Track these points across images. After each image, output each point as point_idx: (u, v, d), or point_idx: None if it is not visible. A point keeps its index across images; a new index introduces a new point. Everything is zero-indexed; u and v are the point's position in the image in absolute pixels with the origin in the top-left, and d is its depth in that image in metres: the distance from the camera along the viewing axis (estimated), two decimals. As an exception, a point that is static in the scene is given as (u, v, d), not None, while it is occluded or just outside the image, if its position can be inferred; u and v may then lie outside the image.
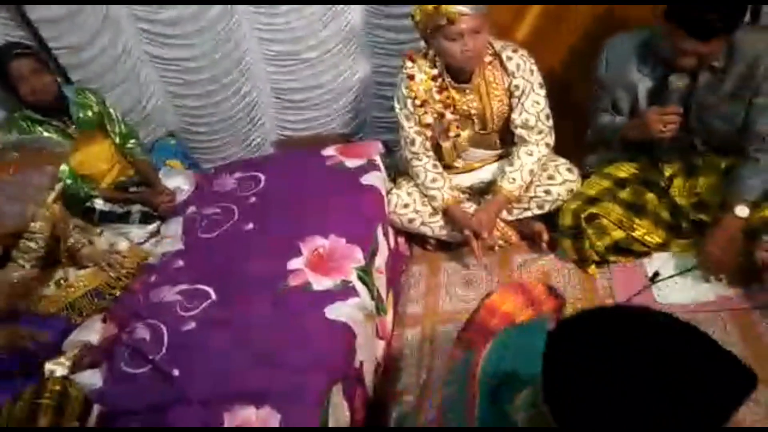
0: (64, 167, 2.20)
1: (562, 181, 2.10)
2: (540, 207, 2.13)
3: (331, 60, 2.55)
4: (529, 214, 2.15)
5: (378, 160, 2.33)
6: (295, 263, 1.88)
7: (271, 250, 1.96)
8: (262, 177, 2.36)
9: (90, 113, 2.30)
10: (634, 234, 1.92)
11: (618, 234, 1.93)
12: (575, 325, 0.73)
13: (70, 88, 2.30)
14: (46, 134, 2.18)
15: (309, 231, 1.98)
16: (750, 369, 0.66)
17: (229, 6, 2.38)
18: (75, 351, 1.74)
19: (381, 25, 2.45)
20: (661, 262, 1.92)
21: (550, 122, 2.07)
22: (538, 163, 2.06)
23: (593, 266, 2.01)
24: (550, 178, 2.11)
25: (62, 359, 1.72)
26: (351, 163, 2.32)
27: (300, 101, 2.70)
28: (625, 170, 1.99)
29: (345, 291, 1.76)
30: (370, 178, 2.22)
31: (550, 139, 2.08)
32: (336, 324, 1.65)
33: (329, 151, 2.41)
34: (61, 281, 1.95)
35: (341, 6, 2.41)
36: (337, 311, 1.68)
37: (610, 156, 2.04)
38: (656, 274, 1.90)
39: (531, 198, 2.12)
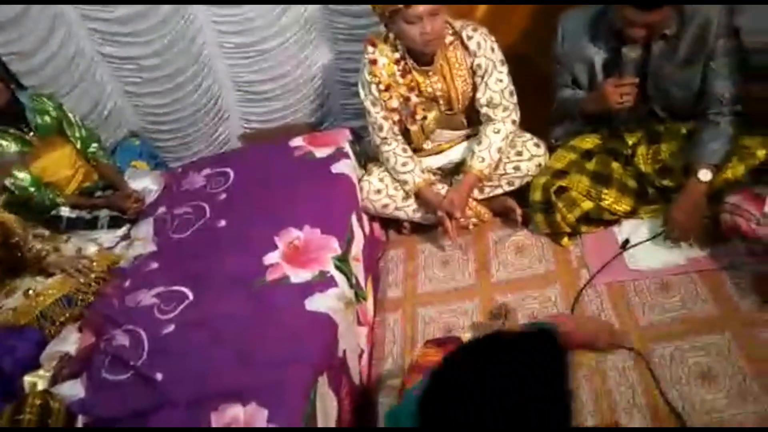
0: (25, 175, 2.15)
1: (530, 156, 2.12)
2: (510, 184, 2.16)
3: (292, 49, 2.52)
4: (500, 191, 2.18)
5: (347, 147, 2.32)
6: (271, 257, 1.88)
7: (246, 246, 1.95)
8: (231, 172, 2.34)
9: (48, 118, 2.24)
10: (602, 204, 1.95)
11: (587, 205, 1.96)
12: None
13: (25, 94, 2.23)
14: (3, 143, 2.11)
15: (283, 224, 1.97)
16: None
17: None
18: (53, 363, 1.72)
19: (339, 11, 2.43)
20: (630, 229, 1.96)
21: (515, 99, 2.08)
22: (505, 141, 2.08)
23: (566, 238, 2.04)
24: (519, 154, 2.13)
25: (41, 372, 1.70)
26: (320, 152, 2.30)
27: (263, 93, 2.67)
28: (590, 141, 2.02)
29: (323, 282, 1.76)
30: (341, 167, 2.22)
31: (516, 116, 2.09)
32: (317, 315, 1.65)
33: (297, 141, 2.39)
34: (30, 291, 1.91)
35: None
36: (316, 303, 1.68)
37: (574, 128, 2.06)
38: (627, 241, 1.94)
39: (501, 175, 2.14)
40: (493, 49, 2.00)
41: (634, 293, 1.81)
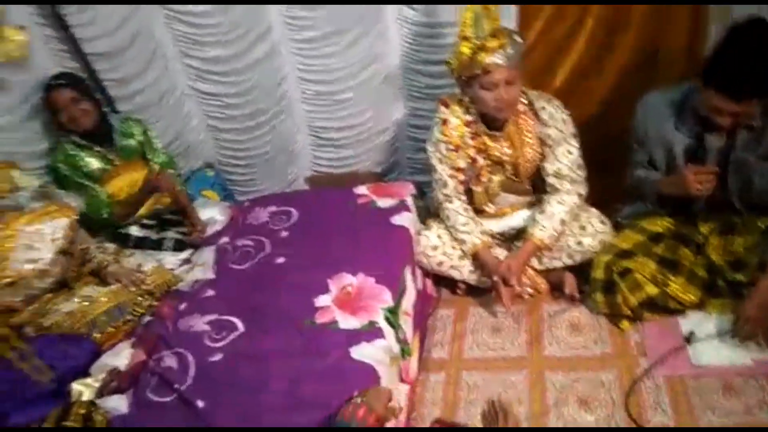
0: (102, 196, 2.27)
1: (594, 232, 2.08)
2: (570, 257, 2.11)
3: (368, 101, 2.61)
4: (559, 263, 2.13)
5: (409, 200, 2.35)
6: (323, 300, 1.89)
7: (300, 285, 1.97)
8: (295, 212, 2.40)
9: (132, 141, 2.38)
10: (668, 291, 1.88)
11: (652, 290, 1.89)
12: None
13: (116, 116, 2.39)
14: (87, 158, 2.26)
15: (338, 268, 1.99)
16: None
17: (272, 47, 2.47)
18: (102, 375, 1.76)
19: (418, 71, 2.51)
20: (696, 322, 1.87)
21: (583, 172, 2.07)
22: (569, 213, 2.05)
23: (626, 322, 1.97)
24: (582, 228, 2.09)
25: (90, 381, 1.75)
26: (382, 202, 2.34)
27: (335, 139, 2.76)
28: (660, 225, 1.97)
29: (372, 332, 1.75)
30: (401, 219, 2.24)
31: (583, 189, 2.07)
32: (361, 365, 1.64)
33: (361, 189, 2.44)
34: (85, 298, 1.98)
35: (381, 50, 2.47)
36: (362, 352, 1.68)
37: (644, 209, 2.02)
38: (691, 333, 1.85)
39: (562, 248, 2.10)
40: (564, 122, 2.01)
41: (695, 391, 1.70)
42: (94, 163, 2.27)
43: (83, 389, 1.72)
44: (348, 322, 1.80)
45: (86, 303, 1.96)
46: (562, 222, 2.04)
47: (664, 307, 1.92)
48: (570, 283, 2.13)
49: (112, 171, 2.32)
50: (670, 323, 1.91)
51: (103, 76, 2.37)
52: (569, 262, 2.12)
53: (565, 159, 2.02)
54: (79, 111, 2.18)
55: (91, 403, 1.64)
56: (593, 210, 2.13)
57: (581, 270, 2.10)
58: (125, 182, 2.37)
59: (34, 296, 1.89)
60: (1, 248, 1.84)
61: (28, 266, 1.85)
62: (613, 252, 1.95)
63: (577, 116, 2.07)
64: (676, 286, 1.88)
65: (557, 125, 2.01)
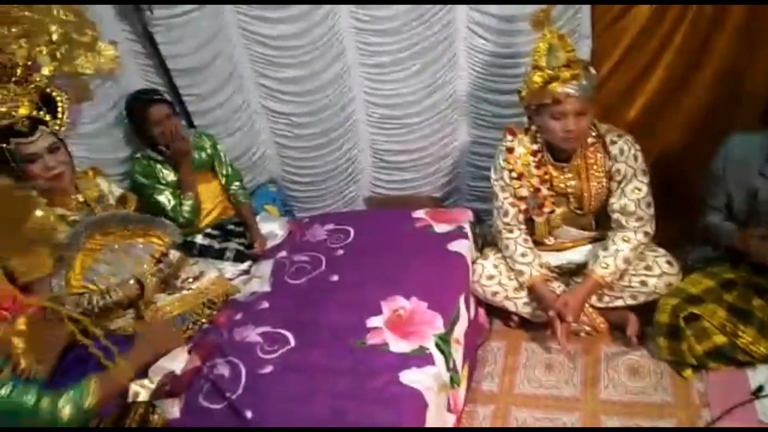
0: (191, 202, 2.38)
1: (660, 273, 2.00)
2: (633, 298, 2.03)
3: (432, 127, 2.63)
4: (620, 303, 2.06)
5: (467, 227, 2.33)
6: (374, 321, 1.90)
7: (353, 304, 1.98)
8: (352, 231, 2.43)
9: (204, 155, 2.50)
10: (738, 341, 1.77)
11: (720, 339, 1.79)
12: None
13: (190, 131, 2.52)
14: (164, 171, 2.39)
15: (391, 290, 1.99)
16: None
17: (342, 70, 2.54)
18: (159, 377, 1.82)
19: (485, 99, 2.51)
20: (766, 376, 1.75)
21: (651, 210, 1.99)
22: (634, 251, 1.98)
23: (689, 370, 1.87)
24: (648, 268, 2.01)
25: (146, 382, 1.81)
26: (440, 228, 2.34)
27: (397, 162, 2.79)
28: (732, 271, 1.87)
29: (422, 357, 1.74)
30: (458, 245, 2.22)
31: (650, 228, 2.00)
32: (410, 390, 1.62)
33: (419, 213, 2.45)
34: (151, 305, 2.06)
35: (448, 76, 2.50)
36: (412, 377, 1.66)
37: (716, 254, 1.92)
38: (760, 388, 1.73)
39: (625, 287, 2.02)
40: (636, 158, 1.96)
41: (764, 450, 1.58)
42: (169, 175, 2.39)
43: (140, 390, 1.78)
44: (398, 345, 1.79)
45: (151, 310, 2.01)
46: (626, 260, 1.97)
47: (731, 357, 1.81)
48: (632, 324, 2.04)
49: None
50: (738, 375, 1.80)
51: (183, 91, 2.51)
52: (632, 302, 2.04)
53: (634, 195, 1.96)
54: (172, 126, 2.31)
55: (150, 404, 1.70)
56: (660, 250, 2.05)
57: (644, 311, 2.02)
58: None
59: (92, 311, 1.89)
60: (84, 258, 1.93)
61: (98, 282, 1.91)
62: (681, 296, 1.86)
63: (649, 152, 2.01)
64: (746, 337, 1.77)
65: (627, 160, 1.95)
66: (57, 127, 1.93)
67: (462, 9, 2.32)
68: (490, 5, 2.28)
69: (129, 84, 2.41)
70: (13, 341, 0.52)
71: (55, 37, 1.94)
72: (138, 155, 2.40)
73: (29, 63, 1.90)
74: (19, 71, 1.87)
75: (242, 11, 2.42)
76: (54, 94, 1.96)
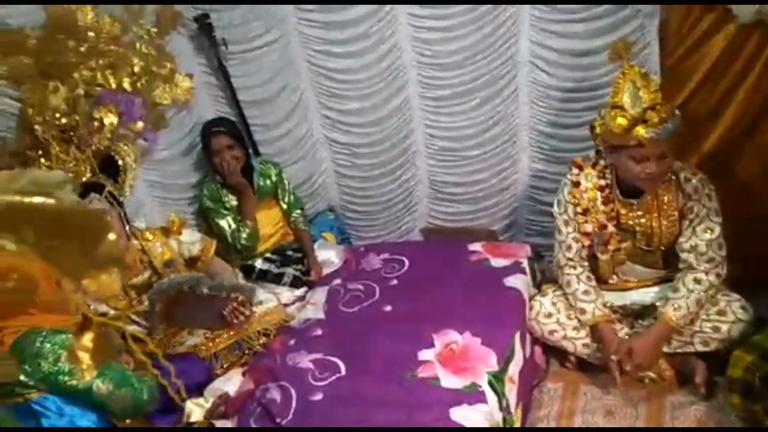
0: (250, 231, 2.46)
1: (735, 319, 1.87)
2: (704, 344, 1.91)
3: (491, 160, 2.62)
4: (690, 349, 1.94)
5: (525, 263, 2.29)
6: (426, 354, 1.87)
7: (405, 336, 1.97)
8: (407, 261, 2.43)
9: (268, 182, 2.59)
10: (821, 403, 1.62)
11: (801, 401, 1.64)
12: None
13: (257, 159, 2.62)
14: (230, 196, 2.49)
15: (445, 324, 1.97)
16: None
17: (403, 102, 2.59)
18: (213, 398, 1.87)
19: (546, 133, 2.48)
20: None
21: (723, 252, 1.89)
22: (706, 293, 1.87)
23: None
24: (720, 313, 1.89)
25: (202, 401, 1.85)
26: (496, 262, 2.30)
27: (454, 194, 2.78)
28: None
29: (473, 394, 1.70)
30: (514, 281, 2.18)
31: (722, 270, 1.89)
32: (459, 428, 1.58)
33: (476, 246, 2.42)
34: (209, 333, 2.10)
35: (509, 109, 2.49)
36: (463, 414, 1.62)
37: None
38: None
39: (695, 332, 1.91)
40: (710, 197, 1.86)
41: None
42: (233, 200, 2.49)
43: (195, 408, 1.83)
44: (450, 380, 1.76)
45: (209, 338, 2.07)
46: (699, 303, 1.87)
47: (815, 421, 1.65)
48: (701, 372, 1.91)
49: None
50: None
51: (251, 121, 2.63)
52: (702, 348, 1.92)
53: (706, 236, 1.87)
54: (231, 156, 2.41)
55: (210, 424, 1.74)
56: (734, 295, 1.93)
57: (715, 359, 1.89)
58: (259, 218, 2.54)
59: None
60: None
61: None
62: (758, 352, 1.72)
63: (723, 192, 1.91)
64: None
65: (701, 199, 1.86)
66: (117, 192, 1.99)
67: (524, 43, 2.32)
68: (552, 40, 2.27)
69: (202, 113, 2.55)
70: (79, 355, 0.55)
71: (136, 69, 2.09)
72: (208, 178, 2.51)
73: (91, 126, 1.97)
74: (79, 133, 1.96)
75: (310, 46, 2.52)
76: (117, 157, 2.03)
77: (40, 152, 1.93)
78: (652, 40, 2.17)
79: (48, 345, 1.19)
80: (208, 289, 2.00)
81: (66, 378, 1.21)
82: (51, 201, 0.52)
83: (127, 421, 1.46)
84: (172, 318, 1.97)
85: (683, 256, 1.92)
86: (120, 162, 2.06)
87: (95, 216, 0.56)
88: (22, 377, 1.22)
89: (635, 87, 1.73)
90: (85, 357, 0.59)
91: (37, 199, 0.52)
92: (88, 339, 0.61)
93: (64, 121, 1.92)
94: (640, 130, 1.72)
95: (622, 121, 1.74)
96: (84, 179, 1.96)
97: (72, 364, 1.10)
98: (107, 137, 2.01)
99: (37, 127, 1.89)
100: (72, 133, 1.96)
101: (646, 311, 2.01)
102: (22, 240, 0.51)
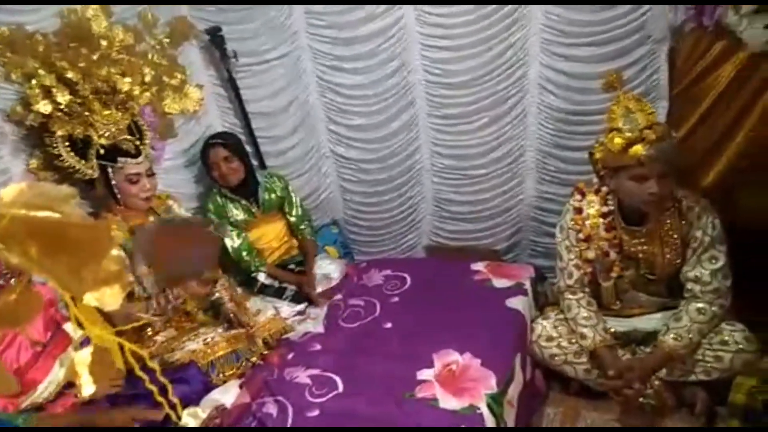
0: (242, 242, 2.47)
1: (737, 349, 1.85)
2: (706, 373, 1.89)
3: (496, 180, 2.62)
4: (692, 378, 1.91)
5: (527, 285, 2.28)
6: (425, 374, 1.86)
7: (404, 354, 1.96)
8: (409, 279, 2.42)
9: (273, 196, 2.58)
10: (826, 433, 1.60)
11: (805, 429, 1.62)
12: None
13: (262, 172, 2.62)
14: (234, 210, 2.49)
15: (444, 344, 1.96)
16: None
17: (411, 120, 2.59)
18: (209, 410, 1.85)
19: (552, 154, 2.49)
20: None
21: (728, 282, 1.87)
22: (709, 324, 1.86)
23: (767, 460, 1.69)
24: (723, 343, 1.88)
25: (198, 411, 1.83)
26: (499, 282, 2.29)
27: (458, 213, 2.78)
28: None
29: (471, 416, 1.68)
30: (516, 302, 2.16)
31: (725, 301, 1.87)
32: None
33: (479, 266, 2.41)
34: (209, 339, 2.11)
35: (516, 131, 2.49)
36: (460, 437, 1.60)
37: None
38: None
39: (697, 361, 1.89)
40: (714, 226, 1.86)
41: None
42: (239, 215, 2.49)
43: (190, 419, 1.81)
44: (448, 401, 1.74)
45: (208, 345, 2.06)
46: (700, 332, 1.85)
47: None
48: (702, 402, 1.89)
49: (252, 222, 2.53)
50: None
51: (258, 133, 2.64)
52: (704, 377, 1.90)
53: (710, 266, 1.86)
54: (228, 169, 2.41)
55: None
56: (738, 324, 1.91)
57: (716, 389, 1.87)
58: (262, 232, 2.57)
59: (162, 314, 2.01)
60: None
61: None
62: (760, 377, 1.72)
63: (728, 221, 1.90)
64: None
65: (705, 228, 1.86)
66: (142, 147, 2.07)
67: (534, 66, 2.34)
68: (562, 63, 2.28)
69: (209, 124, 2.56)
70: (77, 370, 0.55)
71: (147, 78, 2.10)
72: (214, 190, 2.51)
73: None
74: (121, 97, 2.02)
75: (320, 61, 2.54)
76: (141, 124, 2.10)
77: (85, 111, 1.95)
78: (661, 65, 2.18)
79: None
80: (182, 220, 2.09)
81: None
82: (56, 215, 0.52)
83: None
84: (167, 269, 1.97)
85: (688, 285, 1.91)
86: (144, 129, 2.10)
87: (100, 230, 0.56)
88: None
89: (629, 111, 1.75)
90: (84, 372, 0.59)
91: (43, 213, 0.52)
92: (86, 353, 0.61)
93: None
94: (639, 149, 1.72)
95: (619, 140, 1.75)
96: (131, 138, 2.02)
97: None
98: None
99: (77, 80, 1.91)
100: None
101: (649, 338, 1.99)
102: (26, 253, 0.51)
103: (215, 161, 2.41)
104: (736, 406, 1.73)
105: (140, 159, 2.03)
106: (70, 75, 1.90)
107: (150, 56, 2.15)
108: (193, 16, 2.36)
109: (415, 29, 2.38)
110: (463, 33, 2.32)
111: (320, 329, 2.23)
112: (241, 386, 1.94)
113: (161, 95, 2.21)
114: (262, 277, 2.49)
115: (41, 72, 1.88)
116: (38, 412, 1.61)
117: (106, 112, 1.98)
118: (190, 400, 1.87)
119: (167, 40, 2.20)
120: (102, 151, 1.98)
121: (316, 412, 1.77)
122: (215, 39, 2.41)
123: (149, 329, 2.08)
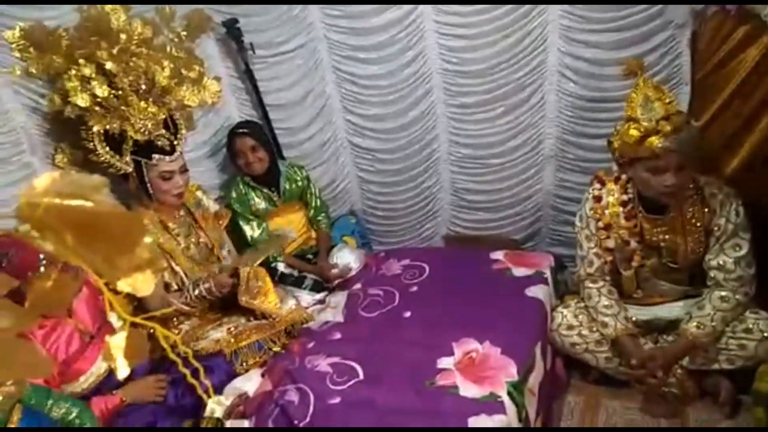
0: (263, 232, 2.50)
1: (762, 337, 1.83)
2: (730, 362, 1.87)
3: (515, 168, 2.60)
4: (716, 366, 1.90)
5: (547, 273, 2.26)
6: (445, 362, 1.87)
7: (424, 343, 1.97)
8: (428, 268, 2.42)
9: (294, 186, 2.61)
10: None
11: (832, 417, 1.60)
12: None
13: (283, 162, 2.64)
14: (256, 198, 2.52)
15: (464, 332, 1.96)
16: None
17: (428, 109, 2.59)
18: (233, 397, 1.88)
19: (572, 142, 2.46)
20: None
21: (753, 270, 1.85)
22: (733, 312, 1.84)
23: (792, 448, 1.67)
24: (747, 331, 1.85)
25: (222, 398, 1.87)
26: (518, 271, 2.28)
27: (477, 202, 2.77)
28: None
29: (492, 404, 1.68)
30: (536, 291, 2.16)
31: (750, 289, 1.85)
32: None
33: (498, 254, 2.41)
34: (232, 328, 2.14)
35: (534, 119, 2.47)
36: (480, 424, 1.61)
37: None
38: None
39: (720, 349, 1.87)
40: (737, 213, 1.83)
41: None
42: (260, 204, 2.52)
43: (216, 407, 1.84)
44: (468, 389, 1.74)
45: (232, 334, 2.10)
46: (723, 321, 1.83)
47: None
48: (726, 391, 1.87)
49: (272, 211, 2.56)
50: None
51: (276, 124, 2.65)
52: (728, 366, 1.88)
53: (734, 253, 1.83)
54: (255, 158, 2.44)
55: (218, 421, 1.75)
56: (763, 312, 1.88)
57: (740, 377, 1.85)
58: (284, 221, 2.59)
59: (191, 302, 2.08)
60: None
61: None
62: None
63: (752, 208, 1.87)
64: None
65: (729, 216, 1.83)
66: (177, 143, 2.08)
67: (553, 53, 2.31)
68: (582, 50, 2.25)
69: (228, 115, 2.58)
70: (111, 353, 0.57)
71: (166, 72, 2.12)
72: (237, 179, 2.54)
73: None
74: (157, 91, 2.02)
75: (337, 52, 2.54)
76: (176, 118, 2.11)
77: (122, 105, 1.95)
78: (683, 51, 2.14)
79: None
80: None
81: None
82: (89, 204, 0.53)
83: None
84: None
85: (711, 273, 1.89)
86: (180, 125, 2.12)
87: (132, 219, 0.57)
88: None
89: (648, 99, 1.72)
90: (119, 355, 0.61)
91: (76, 202, 0.53)
92: (121, 337, 0.62)
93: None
94: (654, 141, 1.70)
95: (635, 132, 1.72)
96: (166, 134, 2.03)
97: None
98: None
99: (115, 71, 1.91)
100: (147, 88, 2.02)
101: (671, 326, 1.98)
102: (62, 241, 0.53)
103: (242, 150, 2.44)
104: (760, 394, 1.71)
105: (174, 156, 2.03)
106: (109, 66, 1.89)
107: (168, 49, 2.16)
108: (210, 8, 2.37)
109: (432, 18, 2.36)
110: (480, 21, 2.30)
111: (340, 318, 2.25)
112: (263, 375, 1.97)
113: (180, 88, 2.23)
114: (281, 267, 2.51)
115: (81, 61, 1.87)
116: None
117: (143, 106, 1.98)
118: (215, 389, 1.91)
119: (185, 33, 2.21)
120: (136, 147, 1.98)
121: (337, 399, 1.79)
122: (232, 31, 2.42)
123: (175, 319, 2.12)
